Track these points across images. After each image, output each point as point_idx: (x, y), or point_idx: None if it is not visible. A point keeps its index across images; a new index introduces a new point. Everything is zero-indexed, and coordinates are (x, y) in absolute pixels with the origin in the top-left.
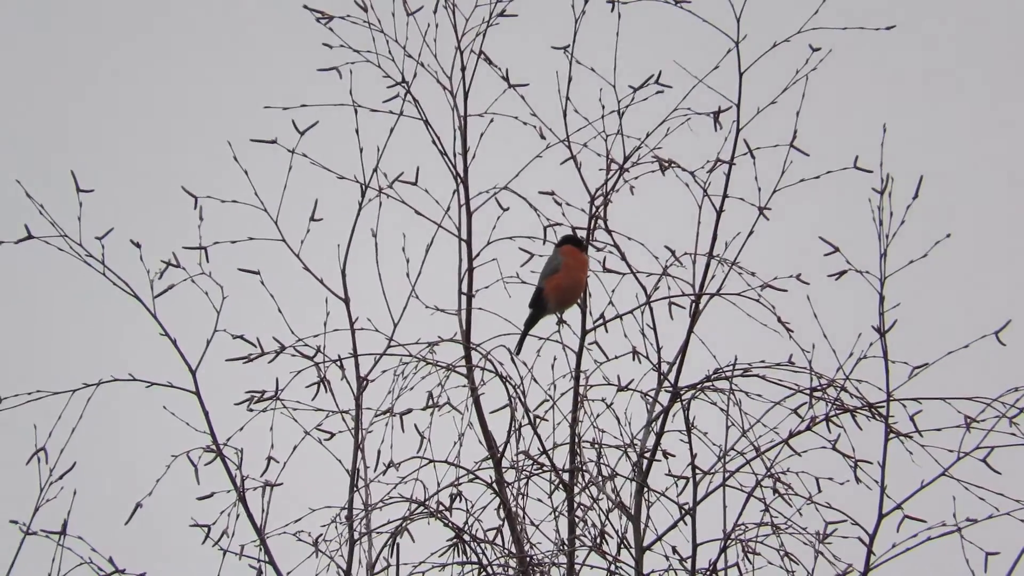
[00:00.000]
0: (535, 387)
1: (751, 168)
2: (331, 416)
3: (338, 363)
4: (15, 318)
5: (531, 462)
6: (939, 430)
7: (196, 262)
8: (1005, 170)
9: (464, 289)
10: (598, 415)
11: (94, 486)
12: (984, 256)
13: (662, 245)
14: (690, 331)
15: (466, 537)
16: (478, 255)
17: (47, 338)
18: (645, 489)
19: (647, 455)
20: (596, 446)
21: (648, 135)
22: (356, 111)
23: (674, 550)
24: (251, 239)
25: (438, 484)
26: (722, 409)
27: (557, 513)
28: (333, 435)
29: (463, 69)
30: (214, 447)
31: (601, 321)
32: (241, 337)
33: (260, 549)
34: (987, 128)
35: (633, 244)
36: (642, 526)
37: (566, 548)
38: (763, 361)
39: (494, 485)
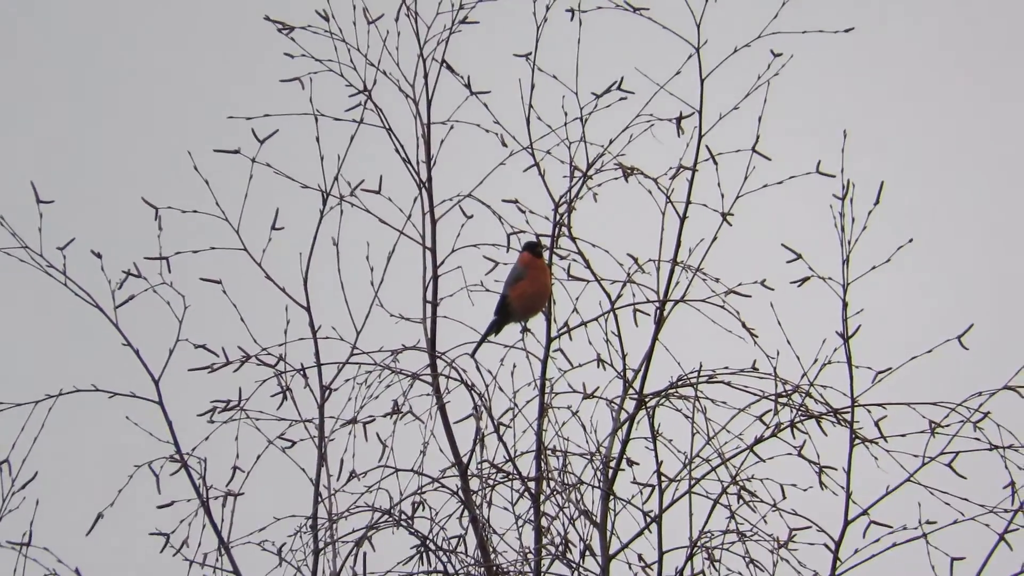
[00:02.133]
0: (500, 395)
1: (714, 174)
2: (294, 425)
3: (301, 372)
4: None
5: (496, 470)
6: (904, 435)
7: (157, 272)
8: (967, 174)
9: (429, 297)
10: (563, 423)
11: (57, 497)
12: (947, 261)
13: (626, 252)
14: (655, 338)
15: (431, 546)
16: (443, 263)
17: (8, 349)
18: (611, 497)
19: (613, 463)
20: (561, 454)
21: (611, 142)
22: (317, 120)
23: (640, 558)
24: (213, 249)
25: (402, 493)
26: (687, 416)
27: (523, 521)
28: (295, 443)
29: (425, 77)
30: (178, 457)
31: (566, 329)
32: (203, 347)
33: (223, 558)
34: (949, 132)
35: (597, 251)
36: (608, 534)
37: (532, 556)
38: (728, 367)
39: (459, 493)
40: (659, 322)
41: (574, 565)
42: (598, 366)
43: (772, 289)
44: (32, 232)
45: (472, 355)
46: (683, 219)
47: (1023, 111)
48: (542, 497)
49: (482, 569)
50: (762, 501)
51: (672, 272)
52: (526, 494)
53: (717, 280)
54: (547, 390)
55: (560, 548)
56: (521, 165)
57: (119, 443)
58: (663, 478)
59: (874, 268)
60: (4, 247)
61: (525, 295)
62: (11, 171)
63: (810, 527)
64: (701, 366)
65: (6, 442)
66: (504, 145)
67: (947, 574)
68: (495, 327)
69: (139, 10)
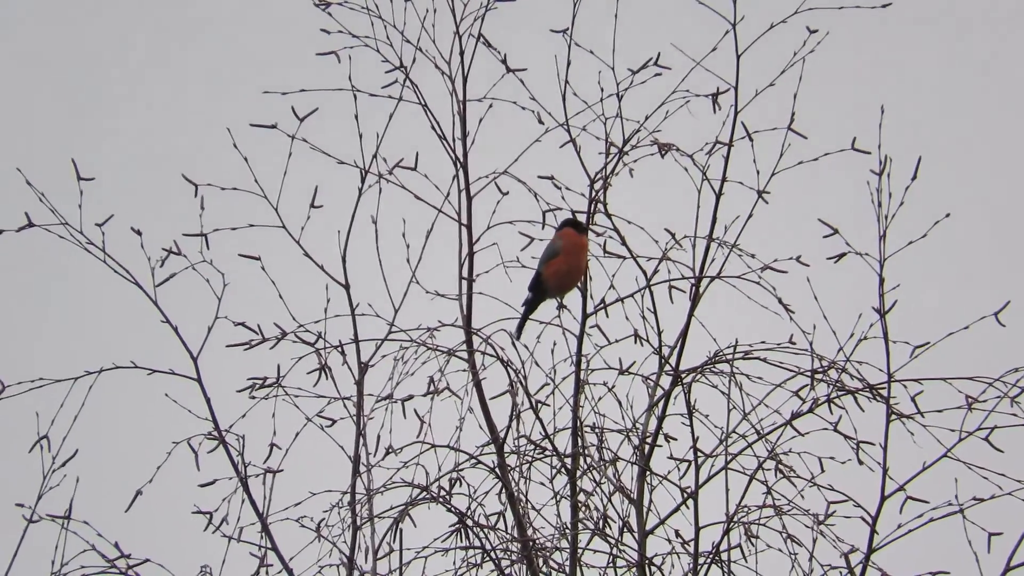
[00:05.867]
0: (536, 371)
1: (749, 151)
2: (332, 402)
3: (339, 349)
4: (16, 306)
5: (533, 446)
6: (940, 411)
7: (197, 249)
8: (1004, 150)
9: (464, 274)
10: (599, 399)
11: (97, 474)
12: (984, 236)
13: (662, 228)
14: (690, 314)
15: (469, 522)
16: (478, 240)
17: (49, 326)
18: (647, 473)
19: (649, 439)
20: (598, 430)
21: (647, 118)
22: (355, 96)
23: (677, 533)
24: (251, 226)
25: (440, 469)
26: (723, 392)
27: (559, 497)
28: (334, 421)
29: (462, 54)
30: (216, 434)
31: (602, 305)
32: (242, 324)
33: (263, 535)
34: (986, 107)
35: (633, 228)
36: (644, 510)
37: (569, 532)
38: (764, 343)
39: (496, 470)
40: (695, 298)
41: (612, 541)
42: (635, 342)
43: (807, 265)
44: (72, 209)
45: (517, 337)
46: (719, 196)
47: None
48: (578, 473)
49: (519, 545)
50: (799, 476)
51: (708, 248)
52: (563, 470)
53: (753, 256)
54: (583, 366)
55: (598, 524)
56: (557, 142)
57: (158, 420)
58: (699, 454)
59: (911, 243)
60: (44, 224)
61: (560, 272)
62: (51, 148)
63: (847, 501)
64: (737, 342)
65: (46, 419)
66: (540, 122)
67: (984, 549)
68: (532, 305)
69: None
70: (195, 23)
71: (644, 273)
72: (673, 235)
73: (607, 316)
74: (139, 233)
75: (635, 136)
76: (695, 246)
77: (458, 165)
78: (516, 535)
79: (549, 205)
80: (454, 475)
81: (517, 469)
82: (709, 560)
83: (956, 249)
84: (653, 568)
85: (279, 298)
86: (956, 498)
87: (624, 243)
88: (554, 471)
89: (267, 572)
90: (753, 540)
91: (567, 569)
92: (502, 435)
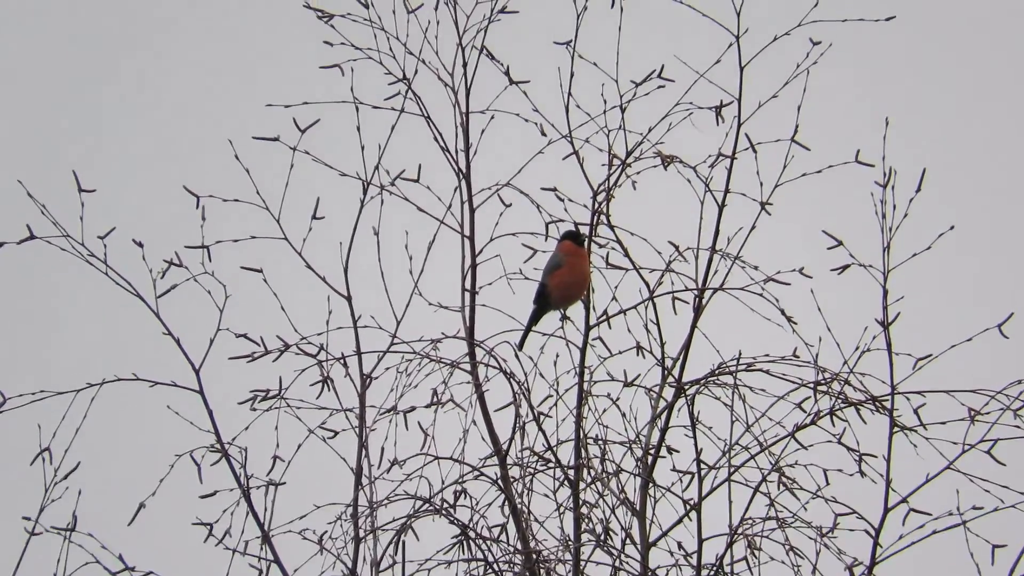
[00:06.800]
0: (539, 383)
1: (753, 163)
2: (335, 414)
3: (341, 361)
4: (18, 318)
5: (536, 458)
6: (943, 423)
7: (199, 261)
8: (1009, 162)
9: (467, 286)
10: (603, 411)
11: (99, 486)
12: (987, 249)
13: (665, 240)
14: (693, 326)
15: (471, 534)
16: (481, 252)
17: (50, 338)
18: (650, 485)
19: (652, 450)
20: (601, 442)
21: (650, 130)
22: (358, 108)
23: (680, 546)
24: (253, 238)
25: (443, 481)
26: (726, 404)
27: (562, 509)
28: (337, 433)
29: (464, 66)
30: (218, 446)
31: (604, 317)
32: (244, 336)
33: (265, 548)
34: (989, 120)
35: (636, 239)
36: (647, 522)
37: (572, 544)
38: (767, 355)
39: (499, 482)
40: (698, 310)
41: (615, 553)
42: (637, 354)
43: (811, 277)
44: (73, 221)
45: (520, 348)
46: (722, 207)
47: None
48: (582, 485)
49: (522, 557)
50: (802, 488)
51: (711, 260)
52: (566, 482)
53: (756, 268)
54: (586, 378)
55: (600, 536)
56: (560, 153)
57: (160, 432)
58: (702, 466)
59: (915, 255)
60: (45, 236)
61: (564, 283)
62: (52, 159)
63: (850, 513)
64: (740, 354)
65: (48, 431)
66: (543, 134)
67: (987, 561)
68: (535, 316)
69: None
70: (197, 35)
71: (647, 285)
72: (676, 247)
73: (610, 328)
74: (141, 245)
75: (638, 148)
76: (698, 258)
77: (460, 177)
78: (519, 547)
79: (552, 217)
80: (457, 487)
81: (520, 481)
82: (712, 573)
83: (960, 261)
84: None
85: (281, 310)
86: (958, 510)
87: (627, 255)
88: (557, 483)
89: None
90: (756, 552)
91: None
92: (505, 447)
